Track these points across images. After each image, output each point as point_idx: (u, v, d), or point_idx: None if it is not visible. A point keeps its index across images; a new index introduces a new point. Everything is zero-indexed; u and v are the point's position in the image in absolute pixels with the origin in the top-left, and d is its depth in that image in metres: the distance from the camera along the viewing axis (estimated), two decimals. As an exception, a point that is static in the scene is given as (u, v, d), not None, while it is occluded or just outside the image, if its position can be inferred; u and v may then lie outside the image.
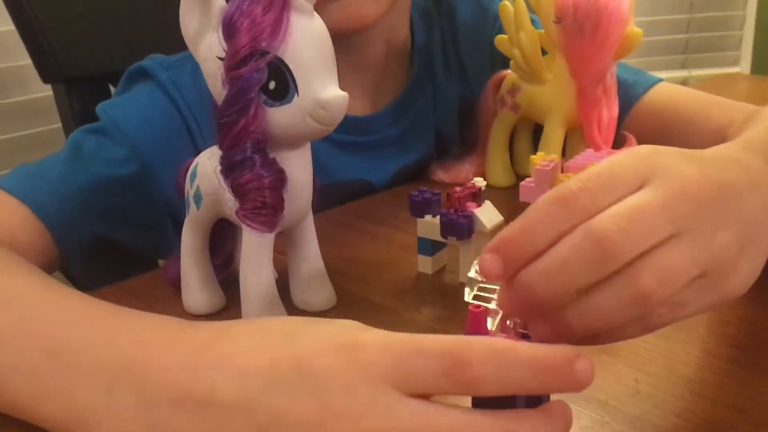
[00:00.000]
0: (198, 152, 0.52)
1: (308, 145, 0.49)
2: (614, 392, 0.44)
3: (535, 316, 0.37)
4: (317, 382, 0.33)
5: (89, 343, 0.40)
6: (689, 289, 0.36)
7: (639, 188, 0.36)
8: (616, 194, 0.36)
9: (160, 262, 0.83)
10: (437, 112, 0.88)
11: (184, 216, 0.53)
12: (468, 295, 0.41)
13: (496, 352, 0.32)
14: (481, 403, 0.34)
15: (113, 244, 0.68)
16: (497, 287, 0.38)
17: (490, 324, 0.39)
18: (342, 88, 0.45)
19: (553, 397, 0.43)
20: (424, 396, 0.33)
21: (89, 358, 0.39)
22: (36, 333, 0.41)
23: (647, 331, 0.37)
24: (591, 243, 0.34)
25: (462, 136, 0.90)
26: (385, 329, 0.39)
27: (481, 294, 0.40)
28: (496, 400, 0.34)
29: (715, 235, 0.37)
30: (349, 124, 0.78)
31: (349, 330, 0.36)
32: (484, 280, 0.39)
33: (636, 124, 0.81)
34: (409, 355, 0.33)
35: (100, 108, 0.70)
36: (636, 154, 0.38)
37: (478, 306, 0.38)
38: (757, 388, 0.44)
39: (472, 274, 0.41)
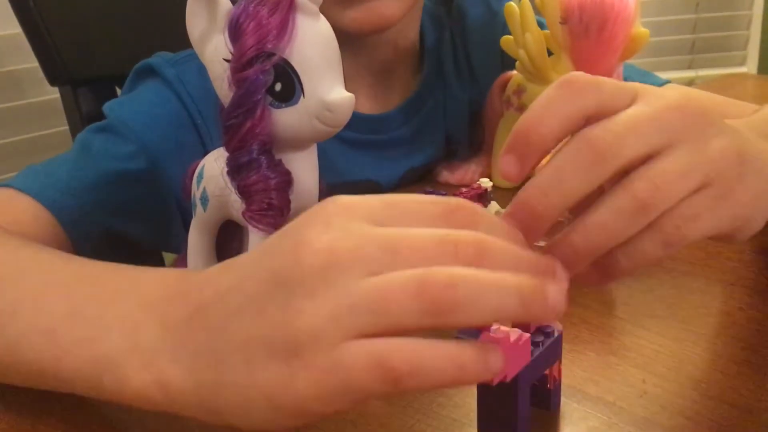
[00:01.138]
0: (204, 148, 0.52)
1: (314, 147, 0.49)
2: (622, 393, 0.44)
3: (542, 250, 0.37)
4: (297, 229, 0.34)
5: (108, 297, 0.41)
6: (696, 198, 0.36)
7: (632, 101, 0.37)
8: (612, 90, 0.36)
9: (166, 256, 0.84)
10: (447, 115, 0.88)
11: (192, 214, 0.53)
12: None
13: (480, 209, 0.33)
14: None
15: (122, 238, 0.68)
16: None
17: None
18: (349, 87, 0.45)
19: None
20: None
21: (109, 309, 0.40)
22: (57, 295, 0.43)
23: (669, 247, 0.36)
24: (582, 146, 0.34)
25: (471, 139, 0.90)
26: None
27: None
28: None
29: (709, 143, 0.37)
30: (359, 121, 0.78)
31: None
32: None
33: None
34: (396, 195, 0.34)
35: (107, 106, 0.70)
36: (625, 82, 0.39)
37: None
38: (766, 389, 0.44)
39: None
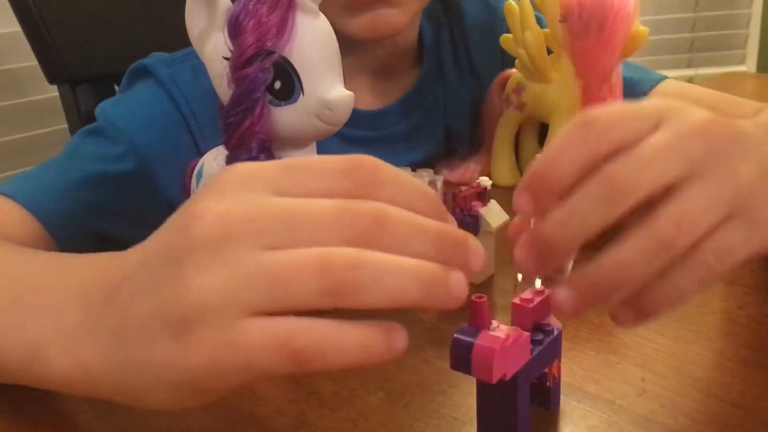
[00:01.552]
0: (198, 149, 0.52)
1: (314, 145, 0.49)
2: (621, 392, 0.44)
3: (560, 285, 0.36)
4: (196, 200, 0.33)
5: (48, 284, 0.41)
6: (726, 231, 0.35)
7: (654, 127, 0.36)
8: (633, 124, 0.36)
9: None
10: (448, 112, 0.88)
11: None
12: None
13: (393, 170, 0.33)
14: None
15: (113, 241, 0.68)
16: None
17: (538, 283, 0.39)
18: (348, 85, 0.45)
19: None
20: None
21: (44, 297, 0.40)
22: (2, 286, 0.43)
23: (704, 283, 0.36)
24: (600, 181, 0.34)
25: (472, 136, 0.90)
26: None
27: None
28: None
29: (734, 169, 0.36)
30: (357, 118, 0.78)
31: None
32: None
33: None
34: (299, 161, 0.33)
35: (100, 108, 0.70)
36: (650, 100, 0.38)
37: (481, 296, 0.38)
38: (765, 388, 0.44)
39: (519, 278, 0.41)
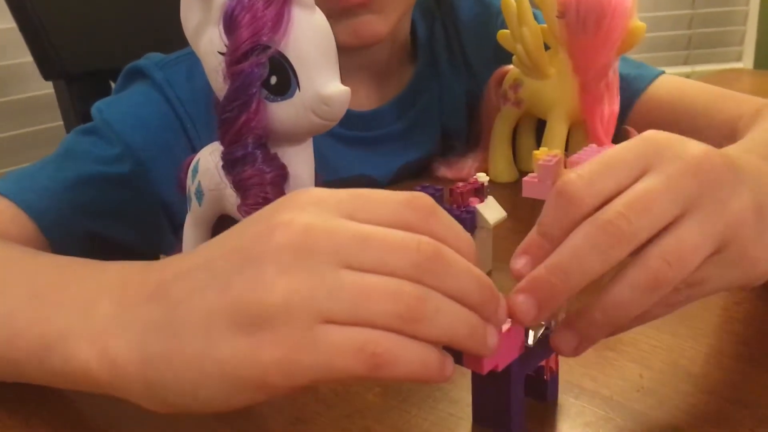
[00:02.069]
0: (194, 151, 0.51)
1: (310, 141, 0.48)
2: (618, 388, 0.44)
3: (561, 327, 0.38)
4: (270, 213, 0.35)
5: (69, 281, 0.42)
6: (708, 265, 0.36)
7: (643, 171, 0.37)
8: (613, 178, 0.37)
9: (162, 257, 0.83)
10: (443, 108, 0.88)
11: (180, 214, 0.53)
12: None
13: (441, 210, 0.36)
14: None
15: (107, 241, 0.67)
16: None
17: (531, 338, 0.39)
18: (345, 83, 0.45)
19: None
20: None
21: (68, 291, 0.41)
22: (19, 282, 0.43)
23: (672, 307, 0.38)
24: (597, 231, 0.35)
25: (469, 132, 0.89)
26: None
27: None
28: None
29: (726, 206, 0.37)
30: (352, 119, 0.78)
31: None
32: None
33: (642, 118, 0.80)
34: (366, 191, 0.35)
35: (95, 108, 0.69)
36: (639, 137, 0.39)
37: None
38: (762, 384, 0.44)
39: None
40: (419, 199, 0.35)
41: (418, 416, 0.42)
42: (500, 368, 0.37)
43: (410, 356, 0.32)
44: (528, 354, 0.39)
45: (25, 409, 0.44)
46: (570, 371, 0.45)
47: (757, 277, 0.40)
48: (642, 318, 0.37)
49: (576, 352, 0.38)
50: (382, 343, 0.32)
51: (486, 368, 0.36)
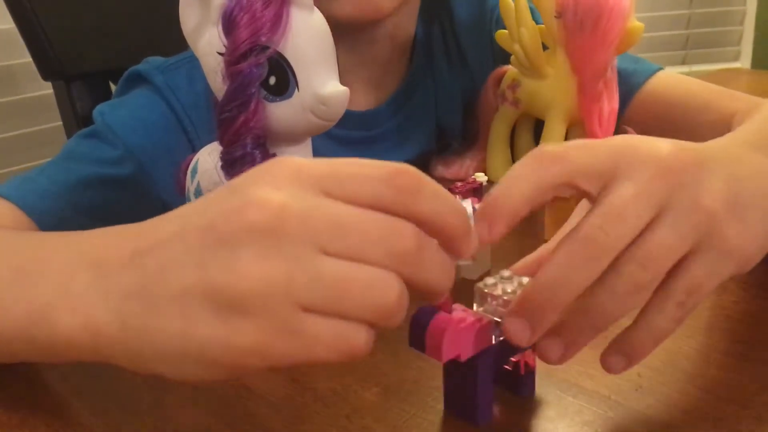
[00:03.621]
0: (194, 153, 0.51)
1: (309, 141, 0.48)
2: (617, 387, 0.44)
3: (546, 335, 0.38)
4: (245, 187, 0.34)
5: (51, 254, 0.42)
6: (693, 265, 0.37)
7: (612, 170, 0.37)
8: (591, 160, 0.38)
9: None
10: (439, 105, 0.88)
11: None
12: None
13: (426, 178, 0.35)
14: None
15: None
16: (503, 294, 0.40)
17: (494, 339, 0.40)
18: (345, 82, 0.45)
19: (549, 390, 0.43)
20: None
21: (50, 263, 0.41)
22: (3, 261, 0.43)
23: (681, 320, 0.38)
24: (579, 246, 0.36)
25: (465, 129, 0.89)
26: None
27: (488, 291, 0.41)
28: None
29: (697, 202, 0.37)
30: (350, 119, 0.77)
31: None
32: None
33: (639, 113, 0.80)
34: (346, 162, 0.35)
35: (97, 111, 0.70)
36: (606, 144, 0.39)
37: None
38: (761, 383, 0.44)
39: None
40: (403, 175, 0.34)
41: (418, 416, 0.42)
42: (463, 358, 0.38)
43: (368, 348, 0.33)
44: (496, 348, 0.40)
45: (22, 408, 0.44)
46: (568, 370, 0.45)
47: (746, 262, 0.40)
48: (656, 335, 0.38)
49: (562, 359, 0.38)
50: (360, 336, 0.33)
51: (445, 357, 0.37)
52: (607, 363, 0.39)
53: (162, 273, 0.34)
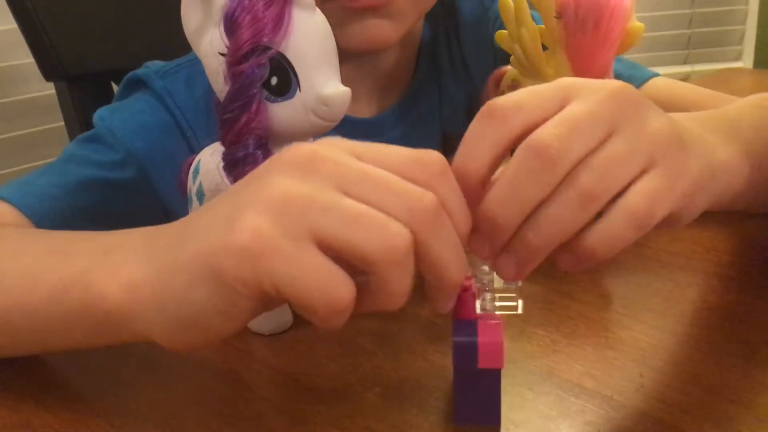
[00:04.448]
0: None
1: (311, 141, 0.48)
2: (619, 387, 0.44)
3: (501, 252, 0.38)
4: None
5: (91, 238, 0.45)
6: (647, 178, 0.37)
7: (564, 101, 0.38)
8: (535, 110, 0.38)
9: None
10: (443, 113, 0.88)
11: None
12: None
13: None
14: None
15: None
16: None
17: (478, 307, 0.40)
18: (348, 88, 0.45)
19: (551, 390, 0.43)
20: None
21: (89, 244, 0.44)
22: (38, 240, 0.48)
23: (639, 228, 0.37)
24: (531, 155, 0.36)
25: None
26: (388, 325, 0.39)
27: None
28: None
29: (647, 124, 0.38)
30: (354, 126, 0.77)
31: None
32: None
33: None
34: (377, 143, 0.38)
35: (97, 116, 0.70)
36: (553, 81, 0.40)
37: (467, 288, 0.40)
38: (763, 383, 0.44)
39: None
40: (431, 155, 0.36)
41: (419, 416, 0.42)
42: (503, 365, 0.38)
43: (366, 303, 0.35)
44: None
45: (25, 409, 0.44)
46: (570, 370, 0.45)
47: (691, 204, 0.41)
48: (610, 242, 0.37)
49: (517, 276, 0.38)
50: (347, 294, 0.33)
51: (503, 362, 0.38)
52: (557, 260, 0.38)
53: (195, 219, 0.39)
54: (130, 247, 0.41)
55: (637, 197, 0.37)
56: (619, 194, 0.37)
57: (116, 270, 0.39)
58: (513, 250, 0.37)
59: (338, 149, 0.36)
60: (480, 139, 0.38)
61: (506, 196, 0.36)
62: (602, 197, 0.36)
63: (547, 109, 0.38)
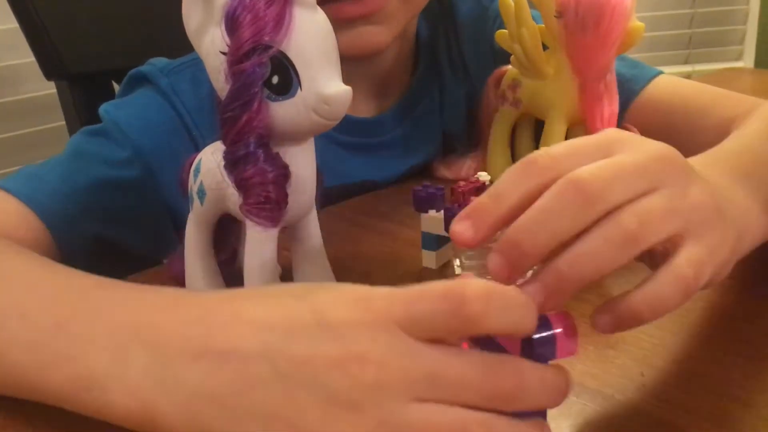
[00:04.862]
0: (198, 155, 0.52)
1: (312, 141, 0.48)
2: (620, 386, 0.44)
3: (529, 280, 0.37)
4: (337, 330, 0.34)
5: (95, 312, 0.41)
6: (690, 245, 0.37)
7: (604, 156, 0.38)
8: (578, 159, 0.37)
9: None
10: (444, 113, 0.88)
11: (185, 219, 0.53)
12: (457, 269, 0.41)
13: (493, 291, 0.34)
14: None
15: (114, 244, 0.68)
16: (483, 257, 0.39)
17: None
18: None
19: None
20: (433, 341, 0.34)
21: (96, 326, 0.40)
22: (42, 307, 0.42)
23: (686, 294, 0.37)
24: (571, 189, 0.35)
25: (470, 135, 0.89)
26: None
27: (468, 262, 0.41)
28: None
29: (688, 190, 0.38)
30: (355, 125, 0.78)
31: (356, 287, 0.37)
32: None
33: (638, 119, 0.80)
34: (416, 300, 0.34)
35: (103, 109, 0.70)
36: (600, 133, 0.40)
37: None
38: (764, 382, 0.44)
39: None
40: (469, 305, 0.33)
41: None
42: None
43: None
44: None
45: (25, 408, 0.44)
46: (571, 369, 0.45)
47: (722, 269, 0.41)
48: (656, 305, 0.37)
49: (543, 307, 0.37)
50: None
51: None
52: (595, 321, 0.38)
53: (245, 390, 0.34)
54: (143, 360, 0.38)
55: (685, 264, 0.37)
56: (655, 252, 0.37)
57: (134, 394, 0.37)
58: (542, 279, 0.36)
59: (394, 340, 0.34)
60: (511, 184, 0.37)
61: (536, 223, 0.35)
62: (643, 242, 0.36)
63: (584, 160, 0.37)
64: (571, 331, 0.36)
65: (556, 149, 0.38)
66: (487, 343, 0.38)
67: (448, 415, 0.33)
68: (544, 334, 0.36)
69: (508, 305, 0.34)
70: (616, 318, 0.37)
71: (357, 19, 0.68)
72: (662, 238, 0.36)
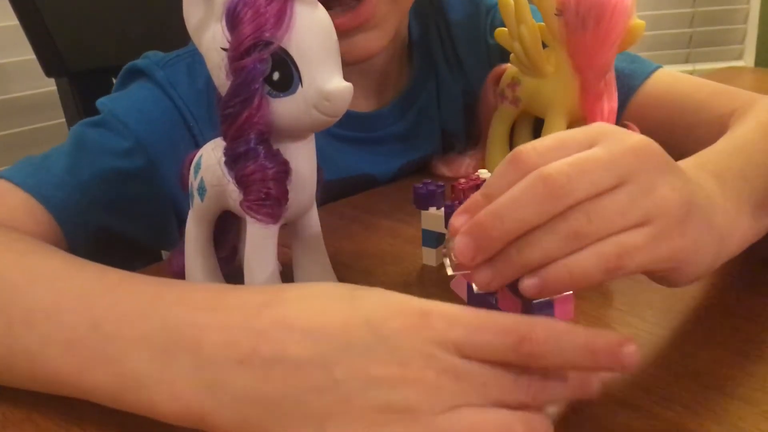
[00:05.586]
0: (198, 148, 0.52)
1: (312, 137, 0.48)
2: (622, 385, 0.44)
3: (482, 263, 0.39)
4: (393, 343, 0.35)
5: (133, 312, 0.41)
6: (633, 233, 0.38)
7: (589, 146, 0.39)
8: (562, 153, 0.39)
9: (164, 253, 0.84)
10: (441, 109, 0.88)
11: (187, 210, 0.53)
12: (448, 269, 0.45)
13: (557, 332, 0.35)
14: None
15: (118, 235, 0.68)
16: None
17: (475, 287, 0.42)
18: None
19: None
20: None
21: (135, 325, 0.40)
22: (74, 306, 0.42)
23: (608, 273, 0.38)
24: (539, 183, 0.37)
25: (467, 131, 0.90)
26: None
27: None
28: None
29: (656, 187, 0.39)
30: (353, 120, 0.78)
31: (408, 298, 0.37)
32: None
33: (637, 115, 0.80)
34: (479, 329, 0.35)
35: (101, 102, 0.70)
36: (587, 126, 0.42)
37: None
38: (765, 380, 0.44)
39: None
40: (528, 344, 0.35)
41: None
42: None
43: None
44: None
45: (27, 403, 0.44)
46: (571, 367, 0.45)
47: (684, 267, 0.42)
48: (576, 272, 0.38)
49: (487, 286, 0.39)
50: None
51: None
52: (522, 282, 0.39)
53: (297, 392, 0.35)
54: (185, 363, 0.38)
55: (610, 245, 0.38)
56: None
57: (179, 397, 0.37)
58: (494, 262, 0.39)
59: (452, 359, 0.35)
60: (501, 182, 0.39)
61: (504, 210, 0.38)
62: (587, 239, 0.37)
63: (575, 152, 0.39)
64: (567, 296, 0.40)
65: (542, 143, 0.40)
66: (483, 302, 0.41)
67: (493, 416, 0.34)
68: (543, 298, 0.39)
69: (566, 348, 0.35)
70: (542, 281, 0.38)
71: (352, 29, 0.68)
72: (610, 233, 0.38)
